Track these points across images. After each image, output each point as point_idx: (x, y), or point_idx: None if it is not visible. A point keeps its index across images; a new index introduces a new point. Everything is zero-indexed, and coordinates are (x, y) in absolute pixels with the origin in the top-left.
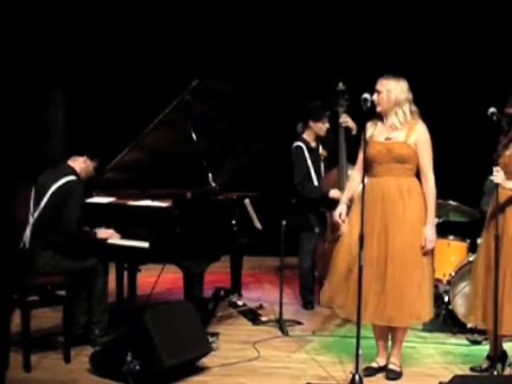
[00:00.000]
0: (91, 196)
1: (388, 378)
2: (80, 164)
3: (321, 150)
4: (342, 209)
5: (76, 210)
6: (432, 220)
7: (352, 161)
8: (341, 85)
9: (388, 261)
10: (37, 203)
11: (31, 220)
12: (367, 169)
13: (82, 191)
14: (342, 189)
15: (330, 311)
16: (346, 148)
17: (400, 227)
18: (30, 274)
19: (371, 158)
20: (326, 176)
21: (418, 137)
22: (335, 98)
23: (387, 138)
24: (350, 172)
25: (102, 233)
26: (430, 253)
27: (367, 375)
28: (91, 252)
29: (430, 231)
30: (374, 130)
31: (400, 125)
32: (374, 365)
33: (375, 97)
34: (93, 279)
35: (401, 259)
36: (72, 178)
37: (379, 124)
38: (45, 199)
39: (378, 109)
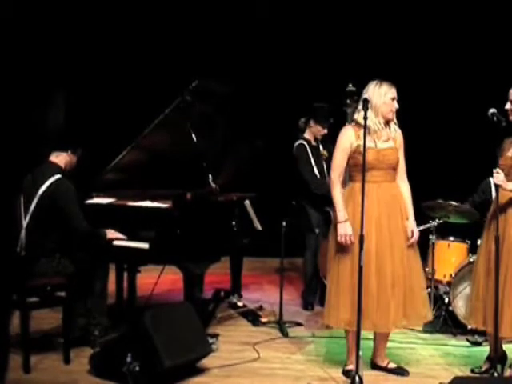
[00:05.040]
0: (91, 197)
1: (401, 374)
2: (64, 158)
3: (321, 149)
4: (349, 230)
5: (76, 208)
6: (413, 214)
7: None
8: (350, 86)
9: (391, 266)
10: (26, 207)
11: (24, 224)
12: (355, 174)
13: (71, 186)
14: None
15: None
16: None
17: (399, 231)
18: (28, 278)
19: (367, 165)
20: None
21: (399, 139)
22: (344, 99)
23: (385, 140)
24: None
25: (111, 233)
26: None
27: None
28: (93, 252)
29: (414, 223)
30: (360, 137)
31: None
32: (351, 367)
33: (396, 105)
34: (92, 281)
35: (407, 262)
36: (57, 176)
37: (362, 131)
38: (34, 203)
39: (392, 116)
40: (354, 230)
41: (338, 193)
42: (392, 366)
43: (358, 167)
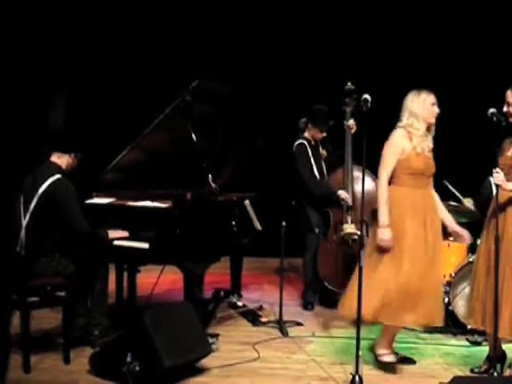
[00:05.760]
0: (91, 197)
1: (411, 363)
2: (66, 160)
3: (320, 149)
4: (390, 234)
5: (76, 208)
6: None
7: (357, 161)
8: (349, 84)
9: (431, 266)
10: (26, 206)
11: (24, 224)
12: (405, 178)
13: (71, 186)
14: (346, 189)
15: (330, 312)
16: (352, 149)
17: (438, 235)
18: (28, 278)
19: (419, 171)
20: (331, 176)
21: None
22: (343, 97)
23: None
24: (355, 174)
25: (113, 233)
26: None
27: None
28: (93, 252)
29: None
30: (414, 142)
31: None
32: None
33: (437, 110)
34: (92, 280)
35: (439, 264)
36: (57, 176)
37: (414, 136)
38: (33, 203)
39: (433, 121)
40: (403, 232)
41: (384, 195)
42: (401, 355)
43: (408, 170)
